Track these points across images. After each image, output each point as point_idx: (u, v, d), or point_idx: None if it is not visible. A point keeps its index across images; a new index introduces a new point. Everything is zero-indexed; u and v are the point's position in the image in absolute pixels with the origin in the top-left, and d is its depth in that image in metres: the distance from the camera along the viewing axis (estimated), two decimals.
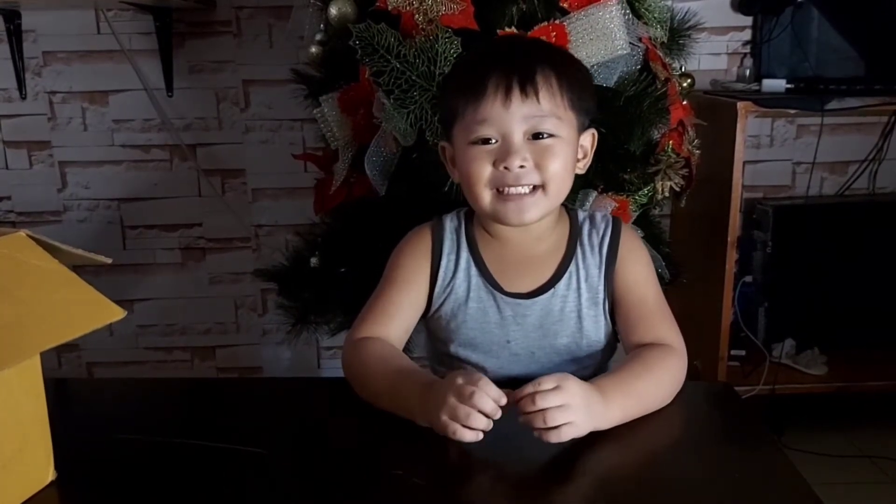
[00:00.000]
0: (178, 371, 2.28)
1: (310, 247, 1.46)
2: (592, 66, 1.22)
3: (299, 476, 0.74)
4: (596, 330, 0.98)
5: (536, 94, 0.89)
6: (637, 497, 0.70)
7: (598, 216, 1.02)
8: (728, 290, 1.86)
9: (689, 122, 1.42)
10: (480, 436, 0.76)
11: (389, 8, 1.29)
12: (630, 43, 1.29)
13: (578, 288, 0.97)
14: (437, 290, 0.99)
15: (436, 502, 0.70)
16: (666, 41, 1.46)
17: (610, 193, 1.33)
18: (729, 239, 1.84)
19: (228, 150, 2.16)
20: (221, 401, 0.96)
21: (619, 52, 1.27)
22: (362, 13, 1.32)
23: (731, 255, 1.85)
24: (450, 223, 1.02)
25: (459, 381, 0.77)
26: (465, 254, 0.99)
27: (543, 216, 0.95)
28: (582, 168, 0.99)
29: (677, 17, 1.51)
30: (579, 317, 0.97)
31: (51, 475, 0.71)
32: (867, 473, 1.84)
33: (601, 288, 0.98)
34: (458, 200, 1.10)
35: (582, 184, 1.30)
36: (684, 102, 1.42)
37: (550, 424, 0.74)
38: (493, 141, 0.91)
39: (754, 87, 1.97)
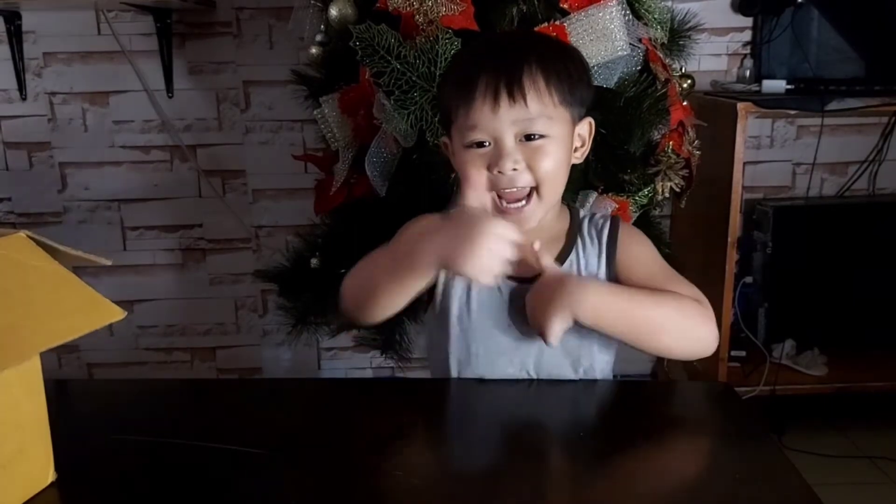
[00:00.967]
0: (179, 372, 2.28)
1: (310, 247, 1.46)
2: (592, 67, 1.22)
3: (299, 477, 0.74)
4: None
5: (524, 97, 0.90)
6: (637, 497, 0.70)
7: (598, 214, 1.04)
8: (728, 291, 1.86)
9: (690, 122, 1.42)
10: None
11: (390, 9, 1.29)
12: (630, 44, 1.29)
13: (579, 271, 0.98)
14: (439, 283, 1.00)
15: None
16: (666, 42, 1.46)
17: (610, 194, 1.33)
18: (729, 240, 1.84)
19: (229, 151, 2.16)
20: (221, 402, 0.95)
21: (620, 52, 1.27)
22: (363, 14, 1.32)
23: (732, 256, 1.85)
24: (455, 212, 1.04)
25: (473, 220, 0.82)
26: None
27: (543, 216, 0.97)
28: (580, 157, 1.00)
29: (677, 18, 1.51)
30: None
31: (51, 476, 0.71)
32: (867, 474, 1.84)
33: (602, 276, 0.98)
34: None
35: (582, 185, 1.30)
36: (684, 103, 1.42)
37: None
38: (487, 144, 0.92)
39: (754, 87, 1.98)
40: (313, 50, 1.47)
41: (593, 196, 1.31)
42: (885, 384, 1.95)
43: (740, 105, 1.76)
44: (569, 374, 0.98)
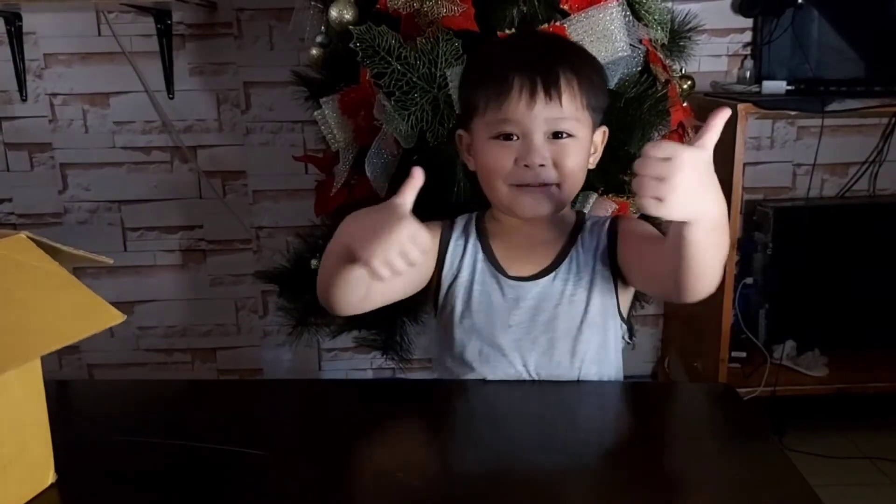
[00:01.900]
0: (179, 373, 2.28)
1: (310, 248, 1.46)
2: None
3: (300, 478, 0.74)
4: (596, 315, 0.99)
5: (560, 96, 0.93)
6: (637, 497, 0.70)
7: (603, 217, 1.06)
8: (728, 292, 1.86)
9: (690, 123, 1.42)
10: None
11: (390, 10, 1.29)
12: (630, 45, 1.29)
13: (578, 272, 0.99)
14: (444, 274, 1.01)
15: None
16: (666, 43, 1.46)
17: (610, 195, 1.33)
18: (729, 240, 1.84)
19: (229, 152, 2.16)
20: (222, 403, 0.96)
21: (620, 53, 1.27)
22: (363, 15, 1.32)
23: (732, 257, 1.85)
24: (461, 218, 1.06)
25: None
26: (472, 240, 1.02)
27: (556, 211, 0.99)
28: (592, 163, 1.02)
29: (677, 19, 1.51)
30: (579, 301, 0.98)
31: (51, 477, 0.71)
32: (868, 475, 1.84)
33: (605, 267, 0.98)
34: (460, 203, 1.10)
35: (582, 185, 1.30)
36: (685, 104, 1.42)
37: (645, 194, 0.70)
38: (515, 137, 0.94)
39: (755, 88, 1.97)
40: (314, 51, 1.47)
41: (594, 197, 1.31)
42: (886, 385, 1.95)
43: (740, 106, 1.76)
44: (569, 375, 0.98)
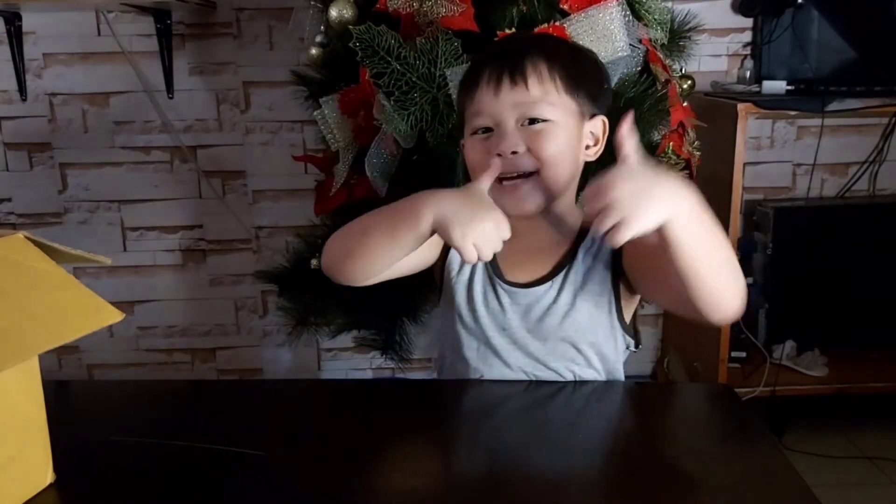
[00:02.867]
0: (179, 373, 2.28)
1: (310, 248, 1.46)
2: None
3: (299, 478, 0.74)
4: (593, 327, 0.97)
5: (525, 81, 0.92)
6: (637, 497, 0.70)
7: None
8: None
9: (690, 123, 1.42)
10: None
11: (390, 10, 1.29)
12: (630, 44, 1.29)
13: (578, 282, 0.97)
14: (448, 263, 1.02)
15: None
16: (666, 43, 1.46)
17: None
18: (729, 240, 1.84)
19: (229, 152, 2.16)
20: (221, 403, 0.95)
21: (620, 53, 1.27)
22: (363, 15, 1.32)
23: None
24: None
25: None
26: None
27: (544, 204, 0.95)
28: (594, 155, 1.00)
29: (677, 19, 1.51)
30: (576, 311, 0.96)
31: (49, 477, 0.71)
32: (867, 475, 1.84)
33: (607, 278, 0.97)
34: None
35: (582, 185, 1.30)
36: (685, 104, 1.42)
37: (604, 228, 0.71)
38: (492, 130, 0.94)
39: (755, 88, 1.98)
40: (313, 51, 1.47)
41: None
42: (886, 385, 1.95)
43: (740, 106, 1.76)
44: (568, 375, 0.98)
